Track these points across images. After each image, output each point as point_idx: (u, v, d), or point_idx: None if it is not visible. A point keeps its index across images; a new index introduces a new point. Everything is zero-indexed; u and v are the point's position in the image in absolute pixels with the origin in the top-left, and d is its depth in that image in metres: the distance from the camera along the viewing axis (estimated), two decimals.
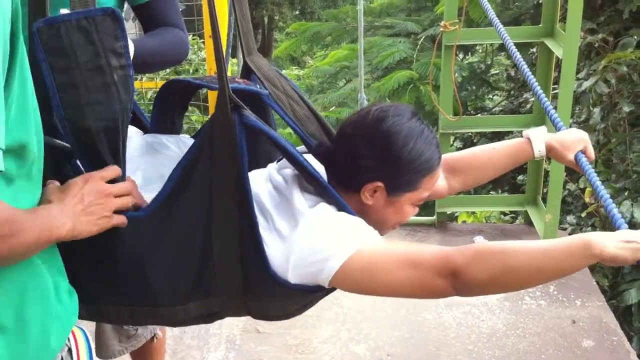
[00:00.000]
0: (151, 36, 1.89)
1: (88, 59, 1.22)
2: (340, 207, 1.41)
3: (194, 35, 7.40)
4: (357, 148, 1.44)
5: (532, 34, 3.91)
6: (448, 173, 1.69)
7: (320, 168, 1.48)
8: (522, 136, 1.70)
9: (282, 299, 1.45)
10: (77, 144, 1.28)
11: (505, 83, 7.31)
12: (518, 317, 3.21)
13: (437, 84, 4.53)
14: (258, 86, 1.52)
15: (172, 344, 2.99)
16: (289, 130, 1.59)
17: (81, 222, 1.22)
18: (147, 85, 4.73)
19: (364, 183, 1.44)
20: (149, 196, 1.39)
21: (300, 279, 1.36)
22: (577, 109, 5.02)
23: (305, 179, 1.44)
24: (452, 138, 5.99)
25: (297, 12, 20.42)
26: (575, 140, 1.64)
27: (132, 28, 4.20)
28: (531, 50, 6.20)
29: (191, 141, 1.63)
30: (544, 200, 3.74)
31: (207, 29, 3.35)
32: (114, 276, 1.40)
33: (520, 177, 5.68)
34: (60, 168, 1.30)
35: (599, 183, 1.49)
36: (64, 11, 1.27)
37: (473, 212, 5.23)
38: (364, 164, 1.43)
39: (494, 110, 7.12)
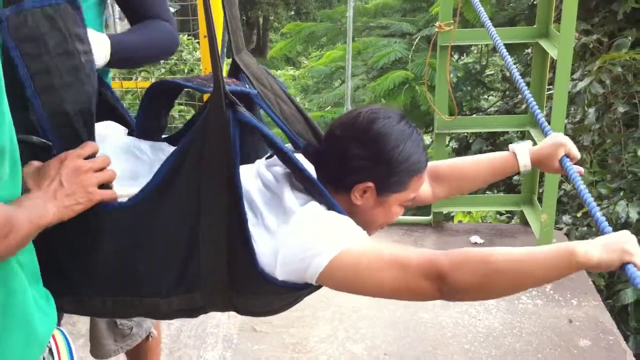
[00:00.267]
0: (134, 30, 1.87)
1: (56, 44, 1.25)
2: (330, 206, 1.42)
3: (188, 35, 7.40)
4: (348, 149, 1.45)
5: (526, 35, 3.93)
6: (433, 180, 1.72)
7: (310, 167, 1.49)
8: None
9: (269, 296, 1.45)
10: (56, 130, 1.28)
11: (500, 84, 7.34)
12: (514, 316, 3.22)
13: (432, 84, 4.54)
14: (247, 86, 1.52)
15: (169, 343, 2.99)
16: (276, 129, 1.59)
17: (64, 205, 1.22)
18: (142, 85, 4.72)
19: (355, 183, 1.45)
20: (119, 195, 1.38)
21: (287, 276, 1.37)
22: (572, 109, 5.04)
23: (296, 177, 1.45)
24: (447, 138, 6.01)
25: (293, 13, 20.43)
26: (554, 146, 1.65)
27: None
28: (526, 51, 6.22)
29: (168, 146, 1.63)
30: (540, 200, 3.75)
31: (202, 29, 3.34)
32: (98, 265, 1.39)
33: (516, 177, 5.70)
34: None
35: (583, 187, 1.50)
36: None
37: (469, 212, 5.24)
38: (355, 164, 1.45)
39: (489, 110, 7.14)
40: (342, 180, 1.47)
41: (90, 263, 1.39)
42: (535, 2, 5.18)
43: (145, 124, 1.66)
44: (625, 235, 1.28)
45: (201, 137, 1.33)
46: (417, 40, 6.36)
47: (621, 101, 4.47)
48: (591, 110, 4.65)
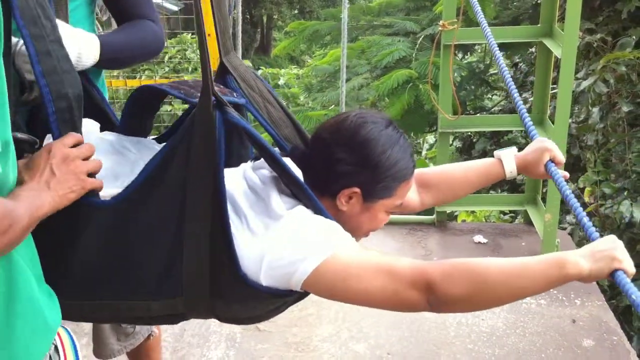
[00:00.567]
0: (120, 31, 1.86)
1: (50, 30, 1.26)
2: (318, 211, 1.40)
3: (192, 34, 7.42)
4: (335, 153, 1.44)
5: (530, 34, 3.92)
6: (421, 188, 1.71)
7: (297, 171, 1.48)
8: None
9: (252, 301, 1.42)
10: (58, 114, 1.28)
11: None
12: (518, 316, 3.22)
13: (436, 83, 4.53)
14: (235, 94, 1.50)
15: (173, 342, 2.99)
16: (265, 133, 1.57)
17: (59, 194, 1.22)
18: (146, 83, 4.72)
19: (341, 188, 1.44)
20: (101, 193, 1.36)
21: (272, 281, 1.35)
22: (576, 108, 5.03)
23: (284, 181, 1.43)
24: (451, 137, 6.00)
25: (296, 11, 20.44)
26: (539, 151, 1.65)
27: None
28: (530, 50, 6.20)
29: (154, 144, 1.62)
30: (544, 199, 3.74)
31: (208, 28, 3.34)
32: (76, 266, 1.36)
33: (520, 177, 5.69)
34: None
35: (568, 192, 1.50)
36: None
37: (473, 212, 5.23)
38: (341, 169, 1.43)
39: (493, 109, 7.13)
40: (328, 185, 1.45)
41: (70, 263, 1.36)
42: (539, 1, 5.17)
43: (129, 127, 1.64)
44: (613, 242, 1.27)
45: (188, 136, 1.31)
46: (420, 39, 6.35)
47: (625, 100, 4.46)
48: (595, 110, 4.65)
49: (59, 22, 1.36)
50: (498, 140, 6.31)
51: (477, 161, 1.77)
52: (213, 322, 3.12)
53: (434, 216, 4.05)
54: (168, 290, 1.39)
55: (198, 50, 1.38)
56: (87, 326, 2.70)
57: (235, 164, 1.58)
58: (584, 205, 4.55)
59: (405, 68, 6.09)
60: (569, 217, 4.65)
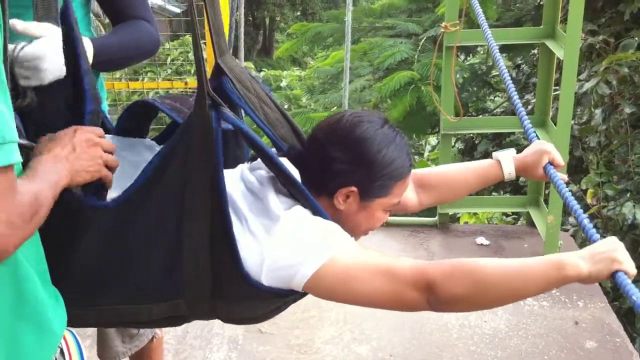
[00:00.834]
0: (113, 33, 1.86)
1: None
2: (315, 211, 1.41)
3: None
4: (331, 152, 1.44)
5: (533, 35, 3.92)
6: (419, 188, 1.71)
7: (294, 171, 1.48)
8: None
9: (254, 301, 1.43)
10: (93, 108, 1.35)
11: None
12: (520, 318, 3.21)
13: (438, 85, 4.53)
14: (232, 95, 1.50)
15: (175, 344, 2.99)
16: (262, 135, 1.57)
17: (75, 168, 1.25)
18: (149, 85, 4.74)
19: (338, 187, 1.44)
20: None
21: (273, 282, 1.35)
22: (579, 110, 5.03)
23: (281, 181, 1.43)
24: (453, 139, 6.00)
25: (299, 13, 20.46)
26: (538, 154, 1.66)
27: None
28: (532, 51, 6.20)
29: (153, 144, 1.62)
30: (546, 201, 3.74)
31: (208, 30, 3.34)
32: (76, 270, 1.36)
33: (522, 178, 5.69)
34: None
35: (568, 194, 1.50)
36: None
37: (475, 213, 5.24)
38: (338, 168, 1.43)
39: (495, 111, 7.13)
40: (325, 184, 1.45)
41: (70, 266, 1.35)
42: (541, 3, 5.17)
43: (124, 132, 1.64)
44: (614, 243, 1.27)
45: (186, 137, 1.32)
46: (423, 40, 6.35)
47: (628, 102, 4.45)
48: (598, 111, 4.64)
49: (50, 26, 1.35)
50: (500, 142, 6.31)
51: (476, 162, 1.77)
52: (215, 325, 3.12)
53: (436, 218, 4.05)
54: (169, 292, 1.40)
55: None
56: (91, 328, 2.71)
57: (232, 165, 1.58)
58: (587, 207, 4.55)
59: (407, 70, 6.10)
60: (572, 219, 4.64)
